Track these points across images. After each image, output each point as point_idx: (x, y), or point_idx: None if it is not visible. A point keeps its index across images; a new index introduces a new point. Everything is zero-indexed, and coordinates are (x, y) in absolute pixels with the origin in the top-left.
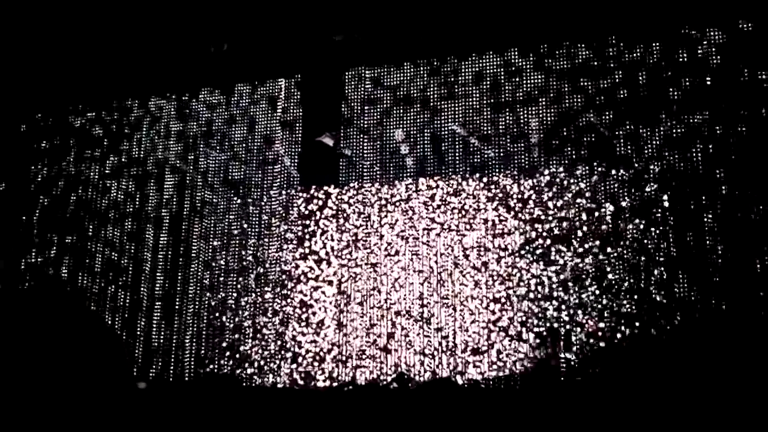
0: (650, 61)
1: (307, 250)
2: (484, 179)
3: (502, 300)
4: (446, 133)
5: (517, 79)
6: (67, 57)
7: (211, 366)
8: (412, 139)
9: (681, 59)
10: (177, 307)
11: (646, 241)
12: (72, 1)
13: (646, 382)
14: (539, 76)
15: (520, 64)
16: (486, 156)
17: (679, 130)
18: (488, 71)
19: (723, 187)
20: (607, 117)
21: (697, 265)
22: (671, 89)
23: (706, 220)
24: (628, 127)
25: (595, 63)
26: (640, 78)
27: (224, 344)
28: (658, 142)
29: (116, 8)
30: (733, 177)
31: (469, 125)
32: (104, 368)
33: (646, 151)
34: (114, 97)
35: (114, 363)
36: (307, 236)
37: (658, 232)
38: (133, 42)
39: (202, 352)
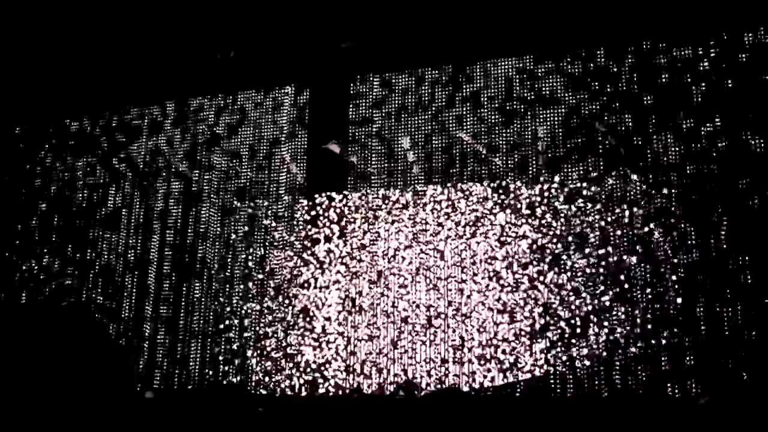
0: (666, 63)
1: (312, 257)
2: (493, 185)
3: (512, 307)
4: (455, 139)
5: (530, 84)
6: (72, 62)
7: (216, 374)
8: (420, 146)
9: (702, 66)
10: (182, 314)
11: (666, 248)
12: (79, 7)
13: (663, 392)
14: (550, 83)
15: (533, 69)
16: (494, 163)
17: (700, 134)
18: (498, 78)
19: (755, 200)
20: (619, 123)
21: (717, 274)
22: (694, 89)
23: (725, 231)
24: (651, 131)
25: (615, 69)
26: (662, 80)
27: (229, 352)
28: (678, 150)
29: (124, 14)
30: (760, 184)
31: (477, 132)
32: (109, 378)
33: (663, 159)
34: (123, 103)
35: (118, 373)
36: (312, 243)
37: (675, 239)
38: (141, 48)
39: (207, 359)
